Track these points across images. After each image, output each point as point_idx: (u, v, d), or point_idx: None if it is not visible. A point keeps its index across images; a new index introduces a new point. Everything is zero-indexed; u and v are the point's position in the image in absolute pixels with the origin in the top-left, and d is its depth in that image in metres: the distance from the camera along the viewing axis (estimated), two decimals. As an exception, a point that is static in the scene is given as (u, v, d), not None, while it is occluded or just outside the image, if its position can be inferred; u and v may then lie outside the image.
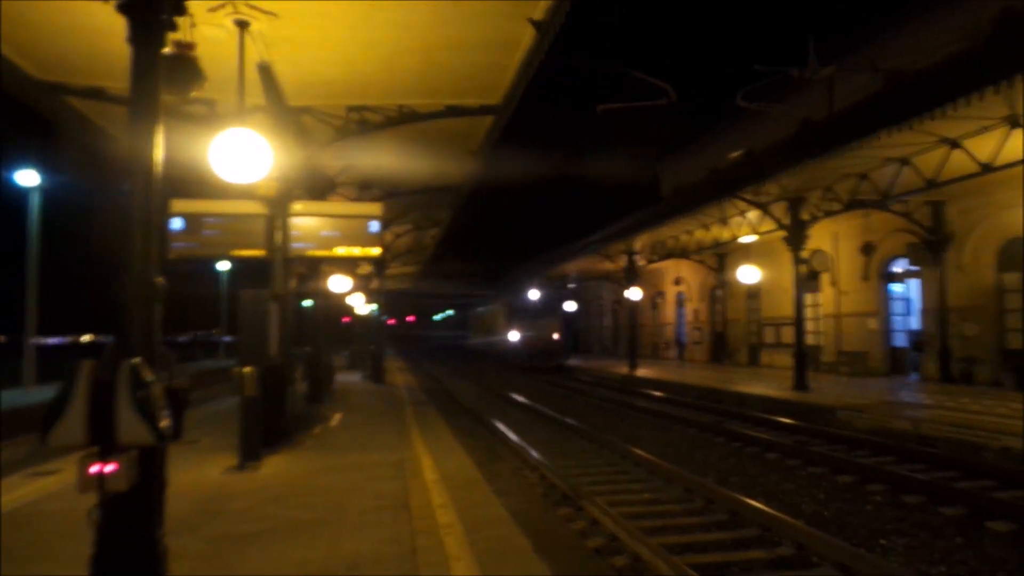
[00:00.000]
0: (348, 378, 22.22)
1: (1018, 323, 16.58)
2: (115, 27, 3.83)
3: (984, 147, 12.89)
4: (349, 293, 20.12)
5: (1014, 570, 5.52)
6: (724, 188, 18.31)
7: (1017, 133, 12.04)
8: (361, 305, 25.01)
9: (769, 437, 11.33)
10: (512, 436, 12.10)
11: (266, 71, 9.10)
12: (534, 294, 35.19)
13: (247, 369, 7.58)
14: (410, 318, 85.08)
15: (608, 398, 19.49)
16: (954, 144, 13.23)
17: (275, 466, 7.85)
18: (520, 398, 19.43)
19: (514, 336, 34.56)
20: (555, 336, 33.83)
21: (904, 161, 14.62)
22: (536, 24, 8.30)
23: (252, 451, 7.76)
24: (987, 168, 13.22)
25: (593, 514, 7.02)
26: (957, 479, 8.35)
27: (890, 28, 19.99)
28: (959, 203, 17.59)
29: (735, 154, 19.76)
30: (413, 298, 61.86)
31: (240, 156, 6.69)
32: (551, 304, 35.34)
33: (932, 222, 18.27)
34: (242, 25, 7.78)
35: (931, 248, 18.17)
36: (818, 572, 5.49)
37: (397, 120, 11.24)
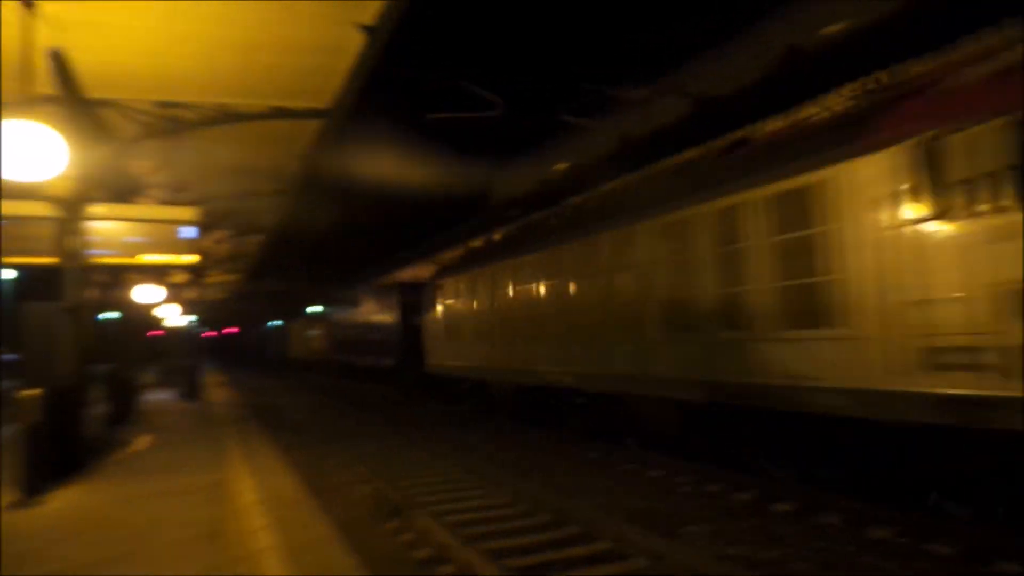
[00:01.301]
0: (160, 397, 20.43)
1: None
2: None
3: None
4: (160, 304, 18.52)
5: (795, 542, 6.24)
6: (550, 200, 19.10)
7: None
8: (176, 316, 23.12)
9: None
10: (341, 449, 11.74)
11: (58, 58, 8.17)
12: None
13: (30, 392, 6.73)
14: (233, 329, 79.74)
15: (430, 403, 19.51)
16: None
17: (67, 499, 7.02)
18: (348, 407, 18.92)
19: None
20: None
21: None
22: (366, 29, 8.18)
23: (37, 483, 6.90)
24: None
25: (422, 525, 6.99)
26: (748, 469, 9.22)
27: (700, 55, 21.93)
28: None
29: (560, 167, 20.70)
30: (241, 303, 49.08)
31: (26, 151, 5.94)
32: None
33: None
34: (27, 3, 6.93)
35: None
36: (632, 563, 5.86)
37: (216, 120, 10.54)
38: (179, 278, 19.73)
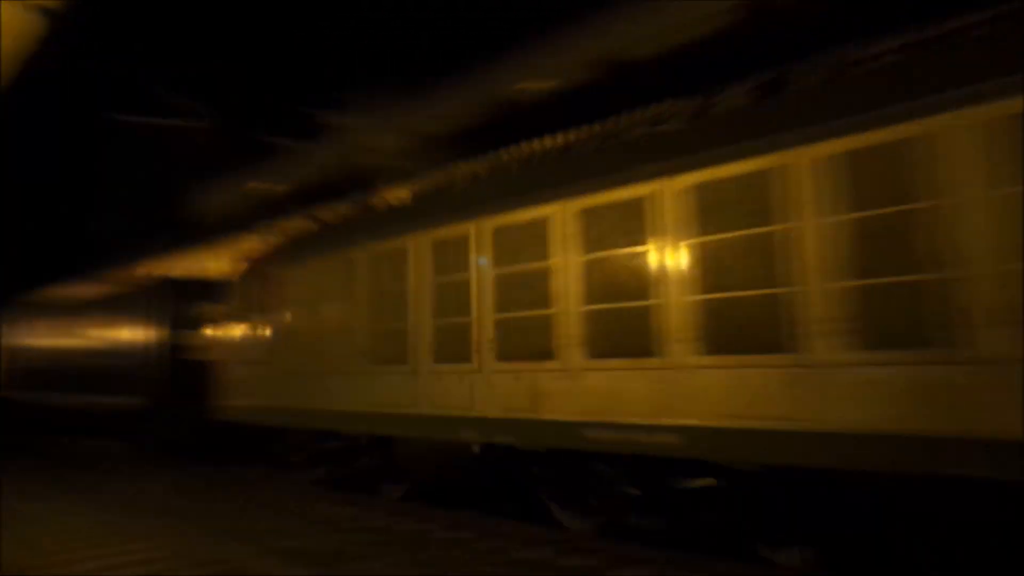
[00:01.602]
0: None
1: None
2: None
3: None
4: None
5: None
6: (247, 222, 18.14)
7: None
8: None
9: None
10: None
11: None
12: None
13: None
14: None
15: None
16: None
17: None
18: None
19: None
20: None
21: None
22: (38, 9, 7.12)
23: None
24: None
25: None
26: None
27: (421, 93, 22.67)
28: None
29: (259, 186, 19.78)
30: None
31: None
32: None
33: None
34: None
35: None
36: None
37: None
38: None
